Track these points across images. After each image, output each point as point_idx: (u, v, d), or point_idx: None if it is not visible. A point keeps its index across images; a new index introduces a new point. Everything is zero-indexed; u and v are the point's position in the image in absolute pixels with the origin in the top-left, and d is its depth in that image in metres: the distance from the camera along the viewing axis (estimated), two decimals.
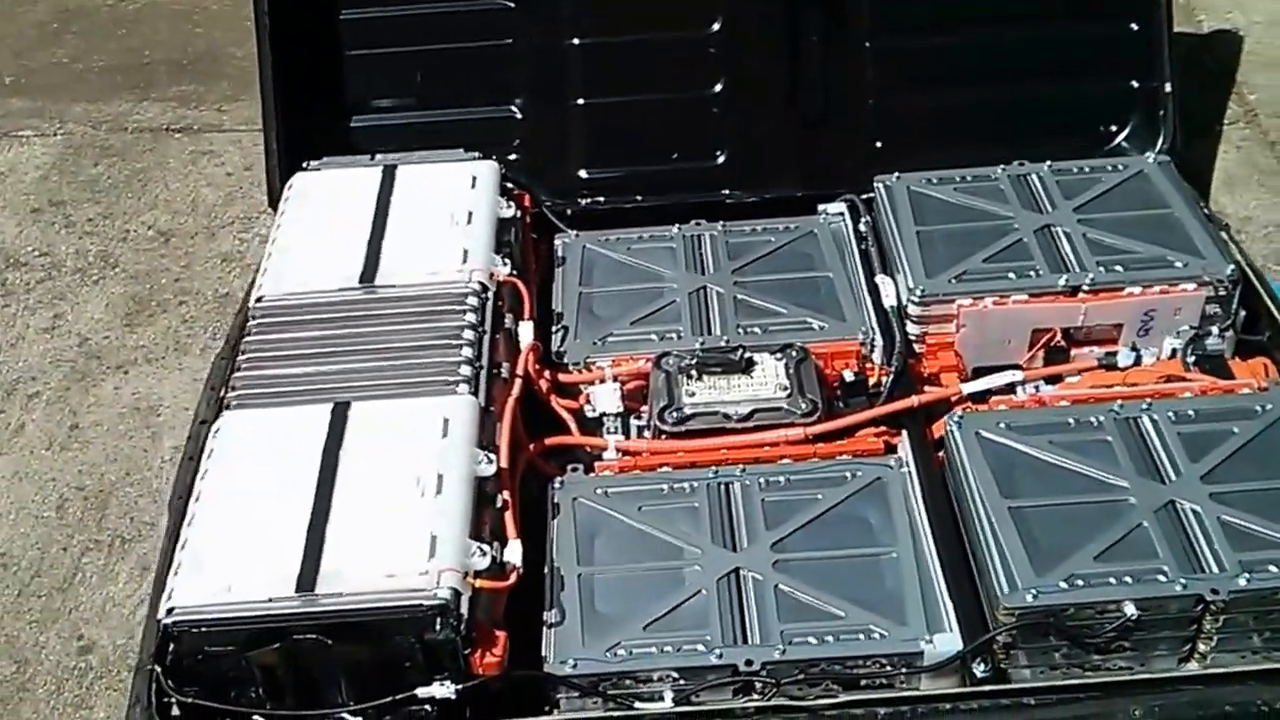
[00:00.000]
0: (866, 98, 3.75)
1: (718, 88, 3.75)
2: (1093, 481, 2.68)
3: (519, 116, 3.81)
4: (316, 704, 2.43)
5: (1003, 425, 2.80)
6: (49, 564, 3.79)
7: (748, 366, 3.01)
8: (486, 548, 2.50)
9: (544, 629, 2.57)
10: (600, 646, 2.52)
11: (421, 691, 2.37)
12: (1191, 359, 3.10)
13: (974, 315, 3.12)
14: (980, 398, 3.04)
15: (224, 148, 5.30)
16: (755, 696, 2.46)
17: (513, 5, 3.73)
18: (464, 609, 2.38)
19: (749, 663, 2.46)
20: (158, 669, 2.41)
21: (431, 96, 3.78)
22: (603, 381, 3.09)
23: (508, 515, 2.64)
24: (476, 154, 3.49)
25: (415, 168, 3.44)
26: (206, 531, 2.55)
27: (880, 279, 3.28)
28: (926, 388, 3.07)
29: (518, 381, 2.95)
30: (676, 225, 3.54)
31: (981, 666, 2.47)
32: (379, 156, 3.51)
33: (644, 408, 3.06)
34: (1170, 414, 2.80)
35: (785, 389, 2.96)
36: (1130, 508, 2.62)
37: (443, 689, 2.36)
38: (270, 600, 2.39)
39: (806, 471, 2.84)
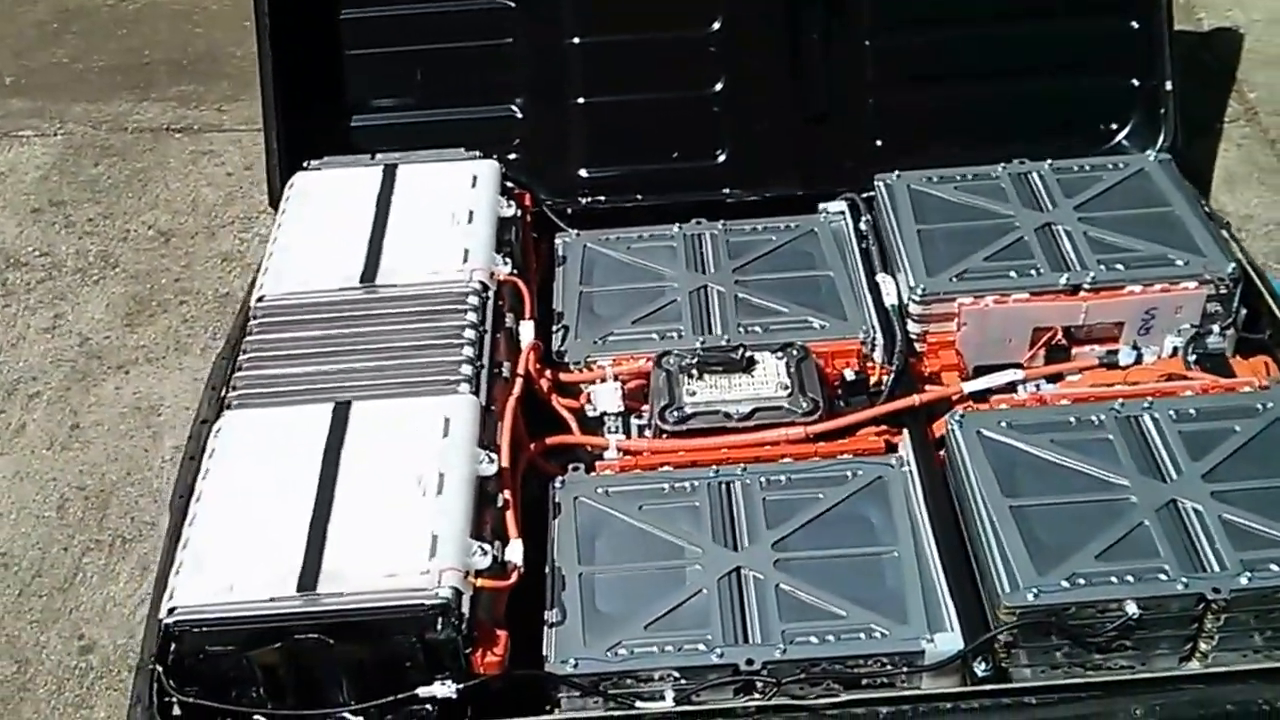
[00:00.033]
0: (867, 96, 3.75)
1: (718, 86, 3.75)
2: (1094, 480, 2.68)
3: (519, 116, 3.81)
4: (318, 703, 2.43)
5: (1004, 424, 2.80)
6: (50, 564, 3.79)
7: (748, 365, 3.01)
8: (488, 547, 2.50)
9: (545, 628, 2.57)
10: (601, 646, 2.51)
11: (422, 691, 2.37)
12: (1192, 357, 3.09)
13: (975, 314, 3.12)
14: (981, 396, 3.03)
15: (224, 147, 5.30)
16: (756, 696, 2.46)
17: (513, 4, 3.73)
18: (465, 608, 2.38)
19: (750, 662, 2.46)
20: (159, 668, 2.41)
21: (432, 96, 3.78)
22: (603, 381, 3.09)
23: (509, 514, 2.64)
24: (477, 153, 3.49)
25: (416, 167, 3.44)
26: (208, 531, 2.55)
27: (881, 278, 3.28)
28: (927, 386, 3.07)
29: (519, 381, 2.95)
30: (677, 224, 3.54)
31: (983, 666, 2.47)
32: (379, 156, 3.51)
33: (645, 407, 3.06)
34: (1171, 412, 2.80)
35: (786, 388, 2.96)
36: (1131, 506, 2.61)
37: (444, 688, 2.36)
38: (271, 600, 2.39)
39: (807, 471, 2.84)
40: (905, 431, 2.94)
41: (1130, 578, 2.47)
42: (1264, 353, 3.11)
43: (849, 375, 3.10)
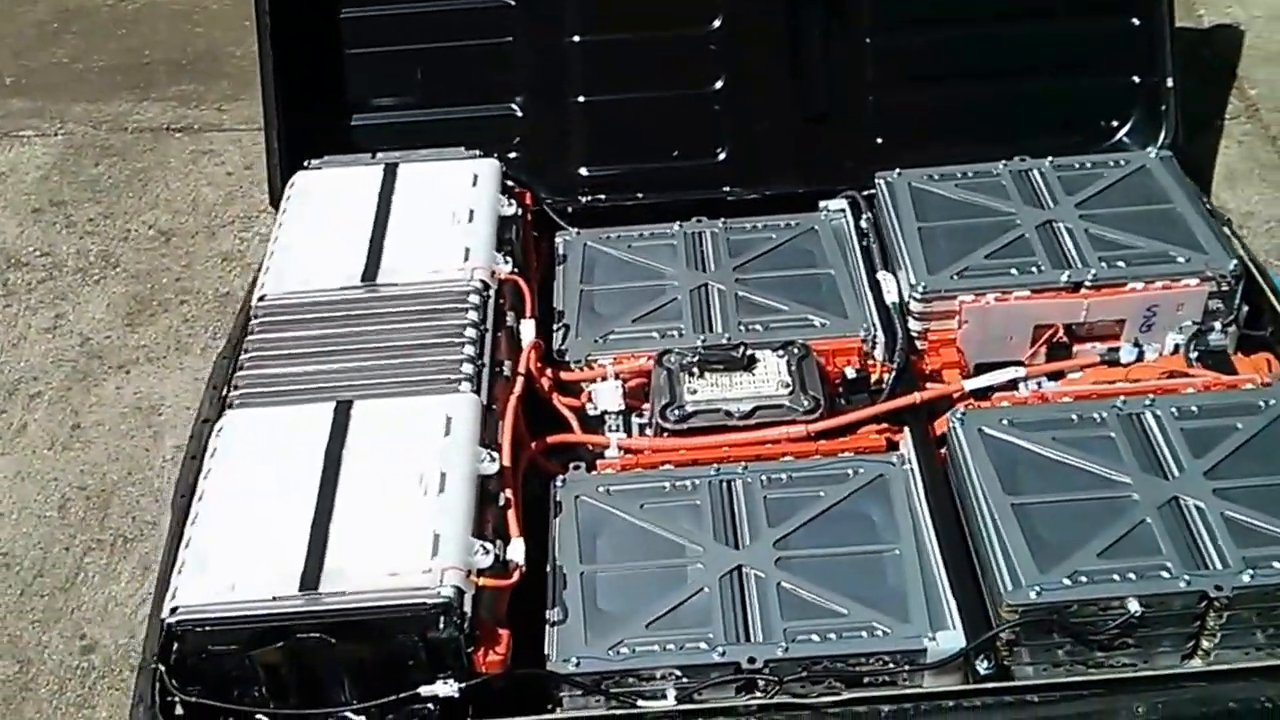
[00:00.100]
0: (867, 94, 3.75)
1: (718, 85, 3.75)
2: (1096, 478, 2.67)
3: (520, 114, 3.81)
4: (320, 702, 2.43)
5: (1005, 422, 2.80)
6: (51, 564, 3.79)
7: (749, 364, 3.01)
8: (489, 546, 2.50)
9: (546, 627, 2.57)
10: (603, 644, 2.51)
11: (425, 690, 2.37)
12: (1194, 354, 3.09)
13: (976, 311, 3.12)
14: (982, 394, 3.03)
15: (224, 147, 5.30)
16: (758, 694, 2.46)
17: (513, 3, 3.73)
18: (467, 607, 2.38)
19: (752, 660, 2.46)
20: (161, 668, 2.41)
21: (432, 95, 3.78)
22: (604, 379, 3.09)
23: (510, 513, 2.64)
24: (477, 152, 3.49)
25: (416, 166, 3.44)
26: (210, 530, 2.55)
27: (882, 275, 3.28)
28: (928, 384, 3.07)
29: (519, 379, 2.95)
30: (678, 222, 3.54)
31: (985, 664, 2.47)
32: (380, 155, 3.51)
33: (646, 405, 3.06)
34: (1173, 410, 2.80)
35: (787, 386, 2.96)
36: (1133, 504, 2.61)
37: (446, 687, 2.36)
38: (274, 599, 2.39)
39: (808, 469, 2.84)
40: (906, 429, 2.94)
41: (1132, 575, 2.47)
42: (1265, 350, 3.11)
43: (850, 373, 3.10)
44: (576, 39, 3.74)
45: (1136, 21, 3.68)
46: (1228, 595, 2.44)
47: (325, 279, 3.09)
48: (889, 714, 2.41)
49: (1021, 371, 3.09)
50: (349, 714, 2.41)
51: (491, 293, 3.06)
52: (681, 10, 3.71)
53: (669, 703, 2.46)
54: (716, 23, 3.71)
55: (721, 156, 3.78)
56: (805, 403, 2.93)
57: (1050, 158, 3.47)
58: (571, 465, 2.92)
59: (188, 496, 2.69)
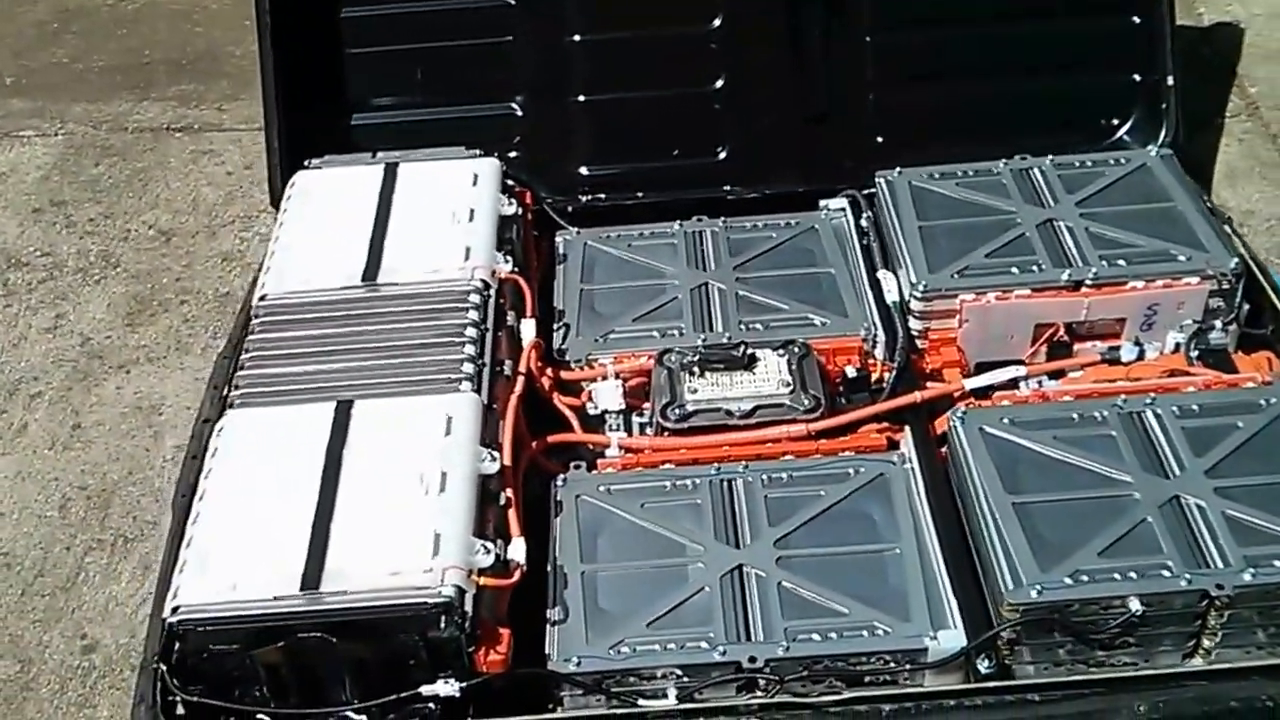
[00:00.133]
0: (868, 93, 3.75)
1: (719, 84, 3.75)
2: (1097, 477, 2.67)
3: (520, 114, 3.81)
4: (321, 702, 2.43)
5: (1006, 421, 2.80)
6: (52, 563, 3.79)
7: (750, 363, 3.01)
8: (490, 545, 2.50)
9: (547, 626, 2.57)
10: (604, 644, 2.51)
11: (426, 689, 2.37)
12: (1195, 353, 3.08)
13: (976, 310, 3.11)
14: (983, 393, 3.03)
15: (224, 147, 5.30)
16: (759, 693, 2.46)
17: (513, 2, 3.73)
18: (468, 607, 2.39)
19: (752, 659, 2.46)
20: (162, 667, 2.41)
21: (432, 94, 3.78)
22: (605, 379, 3.09)
23: (511, 513, 2.64)
24: (478, 151, 3.49)
25: (417, 165, 3.44)
26: (211, 530, 2.55)
27: (882, 274, 3.28)
28: (929, 383, 3.07)
29: (520, 379, 2.95)
30: (678, 221, 3.53)
31: (985, 663, 2.47)
32: (380, 154, 3.51)
33: (646, 405, 3.06)
34: (1174, 408, 2.80)
35: (788, 385, 2.96)
36: (1134, 503, 2.61)
37: (447, 687, 2.36)
38: (275, 598, 2.39)
39: (809, 468, 2.84)
40: (907, 428, 2.94)
41: (1133, 574, 2.47)
42: (1266, 348, 3.11)
43: (850, 372, 3.10)
44: (577, 38, 3.74)
45: (1137, 20, 3.67)
46: (1229, 594, 2.44)
47: (326, 279, 3.09)
48: (890, 713, 2.41)
49: (1022, 370, 3.09)
50: (350, 713, 2.41)
51: (492, 292, 3.05)
52: (682, 9, 3.71)
53: (670, 702, 2.46)
54: (717, 21, 3.71)
55: (722, 155, 3.78)
56: (806, 402, 2.93)
57: (1051, 156, 3.47)
58: (572, 464, 2.92)
59: (188, 496, 2.69)
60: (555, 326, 3.25)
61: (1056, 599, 2.44)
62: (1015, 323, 3.13)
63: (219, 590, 2.42)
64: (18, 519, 3.92)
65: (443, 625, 2.35)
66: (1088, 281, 3.10)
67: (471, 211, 3.25)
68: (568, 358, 3.17)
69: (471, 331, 2.92)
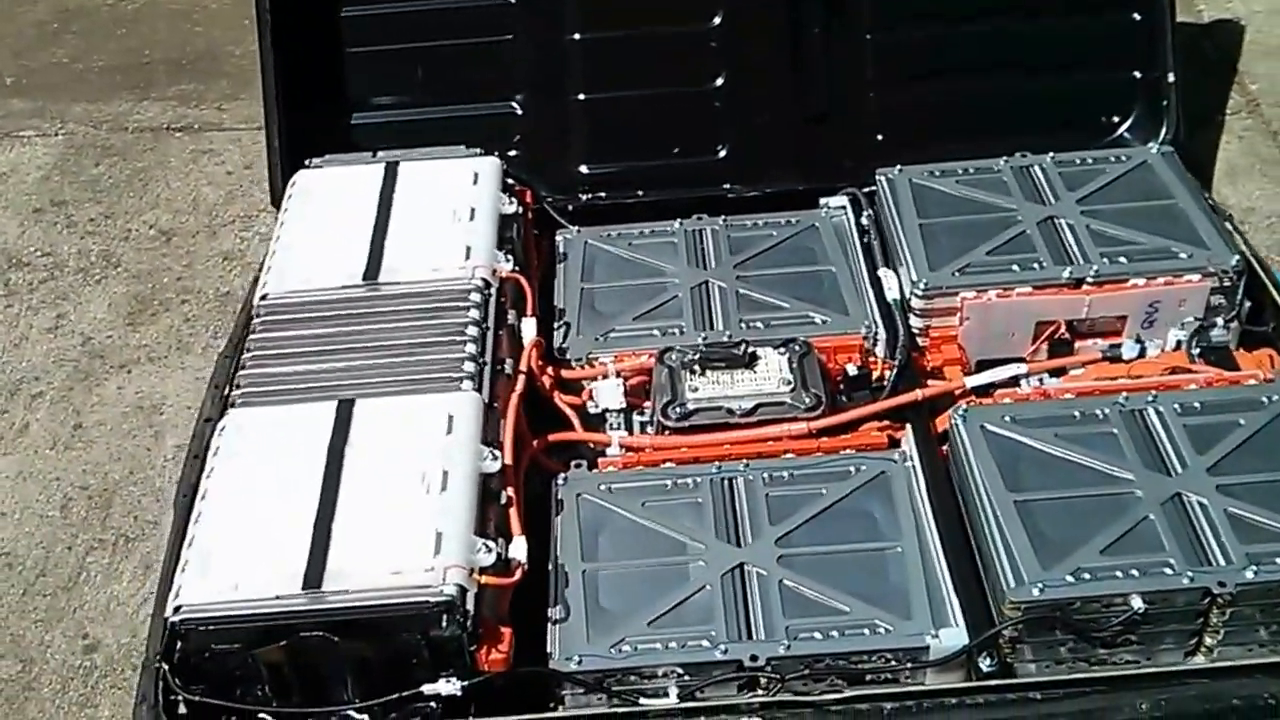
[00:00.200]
0: (868, 91, 3.74)
1: (719, 82, 3.75)
2: (1098, 474, 2.67)
3: (520, 112, 3.81)
4: (322, 701, 2.44)
5: (1007, 418, 2.80)
6: (53, 563, 3.79)
7: (751, 361, 3.01)
8: (491, 544, 2.50)
9: (549, 625, 2.57)
10: (605, 642, 2.52)
11: (427, 688, 2.37)
12: (1196, 350, 3.09)
13: (977, 308, 3.11)
14: (984, 391, 3.03)
15: (224, 146, 5.30)
16: (760, 692, 2.46)
17: (513, 1, 3.72)
18: (469, 605, 2.39)
19: (754, 658, 2.46)
20: (164, 667, 2.41)
21: (432, 93, 3.78)
22: (606, 377, 3.09)
23: (512, 511, 2.64)
24: (478, 150, 3.48)
25: (417, 164, 3.44)
26: (213, 529, 2.55)
27: (883, 272, 3.28)
28: (930, 381, 3.07)
29: (521, 378, 2.95)
30: (678, 220, 3.53)
31: (987, 661, 2.47)
32: (381, 153, 3.51)
33: (647, 403, 3.06)
34: (1176, 406, 2.80)
35: (788, 383, 2.96)
36: (1136, 500, 2.61)
37: (448, 685, 2.37)
38: (277, 598, 2.39)
39: (810, 466, 2.84)
40: (908, 426, 2.94)
41: (1135, 572, 2.47)
42: (1268, 345, 3.11)
43: (851, 370, 3.10)
44: (576, 36, 3.74)
45: (1137, 17, 3.67)
46: (1231, 592, 2.44)
47: (327, 278, 3.09)
48: (891, 711, 2.40)
49: (1023, 368, 3.08)
50: (352, 712, 2.41)
51: (493, 291, 3.05)
52: (682, 7, 3.71)
53: (671, 700, 2.46)
54: (717, 20, 3.71)
55: (722, 154, 3.78)
56: (807, 400, 2.93)
57: (1051, 154, 3.47)
58: (573, 463, 2.92)
59: (190, 495, 2.69)
60: (556, 325, 3.25)
61: (1058, 597, 2.44)
62: (1016, 320, 3.12)
63: (221, 589, 2.42)
64: (19, 519, 3.92)
65: (444, 624, 2.35)
66: (1089, 279, 3.10)
67: (472, 210, 3.25)
68: (568, 356, 3.17)
69: (472, 330, 2.92)
